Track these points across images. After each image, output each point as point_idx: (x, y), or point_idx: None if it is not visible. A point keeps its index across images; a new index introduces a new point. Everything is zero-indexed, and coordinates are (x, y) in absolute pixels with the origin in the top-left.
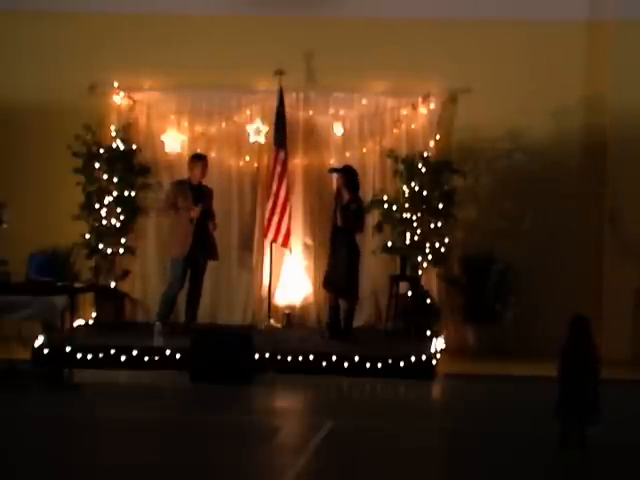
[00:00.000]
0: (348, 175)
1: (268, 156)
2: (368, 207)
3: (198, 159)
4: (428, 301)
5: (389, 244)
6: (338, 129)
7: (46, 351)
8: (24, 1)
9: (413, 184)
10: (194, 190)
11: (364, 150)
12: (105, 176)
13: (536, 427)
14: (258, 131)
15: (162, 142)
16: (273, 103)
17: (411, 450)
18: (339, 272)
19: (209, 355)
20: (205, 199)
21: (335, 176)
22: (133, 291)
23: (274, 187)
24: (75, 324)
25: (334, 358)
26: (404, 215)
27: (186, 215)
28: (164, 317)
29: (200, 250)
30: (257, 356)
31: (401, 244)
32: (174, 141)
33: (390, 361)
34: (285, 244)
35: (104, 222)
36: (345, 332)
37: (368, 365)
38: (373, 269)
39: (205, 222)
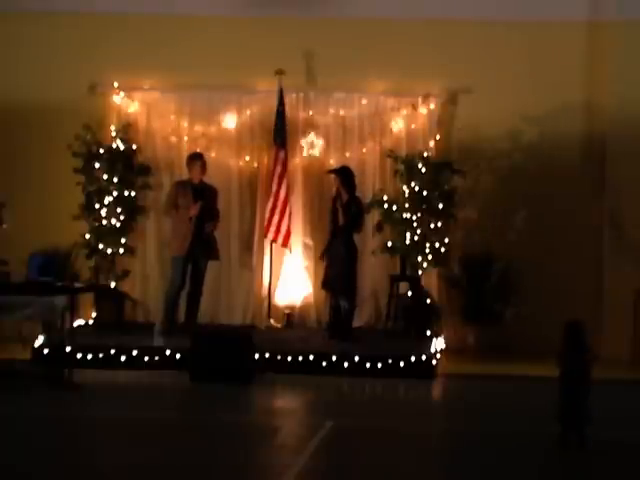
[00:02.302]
0: (344, 175)
1: (268, 156)
2: (368, 207)
3: (196, 158)
4: (428, 301)
5: (389, 244)
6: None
7: (46, 351)
8: (24, 1)
9: (413, 184)
10: (195, 189)
11: (364, 150)
12: (105, 176)
13: (536, 427)
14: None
15: (162, 142)
16: (273, 103)
17: (411, 450)
18: (337, 272)
19: (209, 355)
20: (206, 198)
21: (333, 177)
22: (133, 291)
23: (274, 187)
24: (75, 324)
25: (334, 358)
26: (404, 215)
27: (186, 214)
28: (169, 317)
29: (201, 250)
30: (257, 356)
31: (401, 244)
32: None
33: (390, 361)
34: (285, 244)
35: (104, 222)
36: (345, 332)
37: (368, 365)
38: (373, 269)
39: (205, 221)
